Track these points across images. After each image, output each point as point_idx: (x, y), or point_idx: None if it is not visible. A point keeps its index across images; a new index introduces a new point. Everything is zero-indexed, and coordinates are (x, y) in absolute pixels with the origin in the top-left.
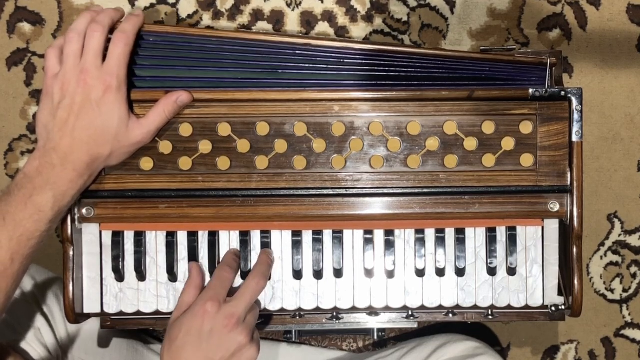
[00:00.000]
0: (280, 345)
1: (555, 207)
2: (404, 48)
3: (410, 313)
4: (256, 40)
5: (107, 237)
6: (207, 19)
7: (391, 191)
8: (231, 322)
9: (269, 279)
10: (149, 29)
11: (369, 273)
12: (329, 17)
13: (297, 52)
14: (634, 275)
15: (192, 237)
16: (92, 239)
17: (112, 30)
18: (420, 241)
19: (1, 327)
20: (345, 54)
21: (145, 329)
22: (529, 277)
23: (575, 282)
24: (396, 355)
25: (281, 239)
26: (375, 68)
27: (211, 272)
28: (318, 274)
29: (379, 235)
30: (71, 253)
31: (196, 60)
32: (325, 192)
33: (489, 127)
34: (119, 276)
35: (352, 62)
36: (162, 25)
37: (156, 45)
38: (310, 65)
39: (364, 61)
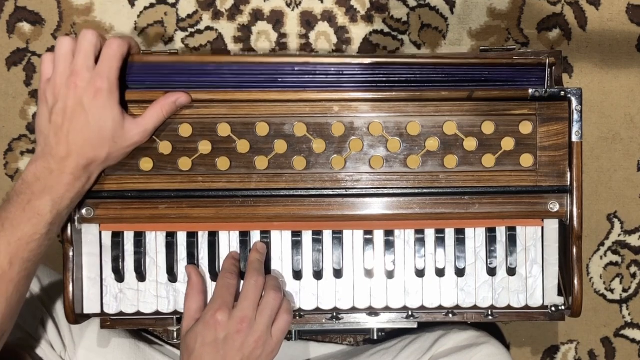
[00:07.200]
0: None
1: (555, 207)
2: (402, 59)
3: (410, 313)
4: (254, 62)
5: (107, 237)
6: (206, 18)
7: (391, 191)
8: (243, 326)
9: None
10: (142, 60)
11: (368, 273)
12: (328, 17)
13: (296, 68)
14: (633, 275)
15: (192, 237)
16: (92, 240)
17: None
18: (420, 241)
19: None
20: (344, 68)
21: (147, 329)
22: (528, 278)
23: (575, 282)
24: (398, 346)
25: (281, 239)
26: (375, 77)
27: (212, 272)
28: (318, 275)
29: (378, 236)
30: (71, 254)
31: (194, 82)
32: (325, 192)
33: (488, 128)
34: (119, 277)
35: (352, 73)
36: (157, 55)
37: (151, 69)
38: (310, 77)
39: (363, 72)
